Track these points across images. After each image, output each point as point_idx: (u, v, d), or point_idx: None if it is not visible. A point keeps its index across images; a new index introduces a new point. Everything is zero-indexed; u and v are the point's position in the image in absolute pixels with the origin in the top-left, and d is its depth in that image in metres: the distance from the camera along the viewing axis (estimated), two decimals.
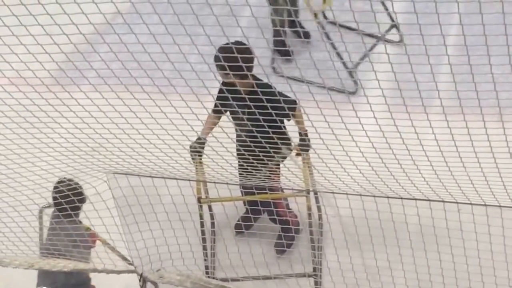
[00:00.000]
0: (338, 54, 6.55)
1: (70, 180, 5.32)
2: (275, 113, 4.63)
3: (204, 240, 5.78)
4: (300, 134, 5.93)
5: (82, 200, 5.39)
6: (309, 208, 5.82)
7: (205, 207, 5.77)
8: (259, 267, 5.83)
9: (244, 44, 5.15)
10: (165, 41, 4.01)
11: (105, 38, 4.13)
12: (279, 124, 5.58)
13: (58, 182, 5.30)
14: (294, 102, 5.58)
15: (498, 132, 4.35)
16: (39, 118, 4.47)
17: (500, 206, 5.03)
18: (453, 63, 4.25)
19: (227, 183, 5.44)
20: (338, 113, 4.27)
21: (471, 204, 5.05)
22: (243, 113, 5.29)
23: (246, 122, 5.03)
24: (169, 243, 5.38)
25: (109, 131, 4.53)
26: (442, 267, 5.32)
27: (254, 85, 5.60)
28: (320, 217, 6.45)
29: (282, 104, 4.92)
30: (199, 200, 5.58)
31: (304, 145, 5.83)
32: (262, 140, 4.76)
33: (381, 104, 4.25)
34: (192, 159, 5.64)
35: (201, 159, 5.66)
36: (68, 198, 5.22)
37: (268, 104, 4.59)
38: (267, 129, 4.72)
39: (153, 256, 5.53)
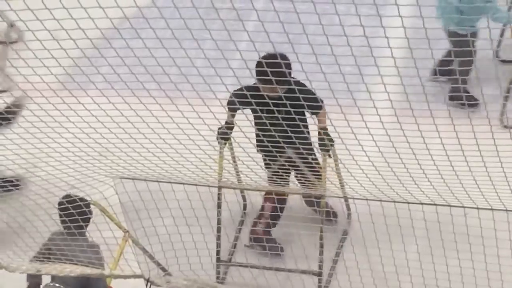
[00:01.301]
0: None
1: (75, 196, 5.27)
2: (306, 111, 4.95)
3: (219, 229, 5.76)
4: (319, 133, 5.93)
5: (87, 219, 5.35)
6: (324, 208, 5.85)
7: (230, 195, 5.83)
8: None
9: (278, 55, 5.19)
10: (171, 46, 4.02)
11: (112, 43, 4.14)
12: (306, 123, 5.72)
13: (64, 197, 5.27)
14: (320, 100, 5.67)
15: (505, 137, 4.36)
16: (47, 123, 4.48)
17: (506, 210, 5.03)
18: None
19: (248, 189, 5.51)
20: (345, 117, 4.28)
21: (477, 208, 5.04)
22: (279, 112, 5.29)
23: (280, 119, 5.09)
24: (175, 248, 5.38)
25: (116, 135, 4.53)
26: (448, 272, 5.31)
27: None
28: (349, 216, 6.36)
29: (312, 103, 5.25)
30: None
31: (325, 145, 5.82)
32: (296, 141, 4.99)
33: (388, 108, 4.25)
34: (218, 142, 5.72)
35: (225, 143, 5.77)
36: (73, 217, 5.19)
37: (304, 103, 4.85)
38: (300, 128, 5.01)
39: (159, 261, 5.54)
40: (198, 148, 4.67)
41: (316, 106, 5.68)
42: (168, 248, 5.43)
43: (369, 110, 4.28)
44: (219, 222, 5.68)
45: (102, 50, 4.64)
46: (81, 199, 5.26)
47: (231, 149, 5.83)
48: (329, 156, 5.85)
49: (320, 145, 5.87)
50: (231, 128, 5.79)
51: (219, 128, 5.72)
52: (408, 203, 5.77)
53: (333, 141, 5.76)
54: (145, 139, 4.56)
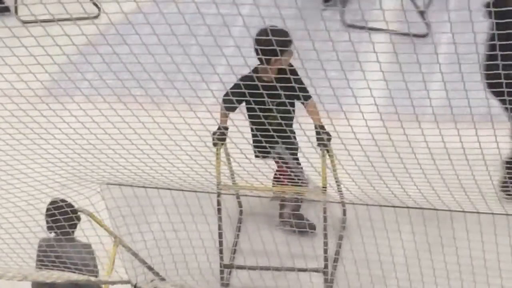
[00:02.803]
0: None
1: (62, 201, 5.24)
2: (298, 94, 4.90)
3: (220, 228, 5.76)
4: (316, 126, 5.92)
5: (74, 225, 5.32)
6: (324, 205, 5.85)
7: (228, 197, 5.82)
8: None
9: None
10: (158, 52, 4.03)
11: (98, 49, 4.14)
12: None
13: (51, 203, 5.24)
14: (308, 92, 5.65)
15: (490, 140, 4.37)
16: (32, 129, 4.47)
17: (492, 213, 5.05)
18: (444, 71, 4.28)
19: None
20: (331, 121, 4.30)
21: (464, 212, 5.06)
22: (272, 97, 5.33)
23: (274, 108, 5.11)
24: (162, 253, 5.38)
25: (102, 141, 4.53)
26: (435, 275, 5.33)
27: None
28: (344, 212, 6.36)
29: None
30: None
31: (322, 139, 5.82)
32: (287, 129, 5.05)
33: (374, 112, 4.27)
34: (214, 144, 5.69)
35: (222, 145, 5.76)
36: (60, 223, 5.17)
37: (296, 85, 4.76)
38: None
39: (150, 266, 5.53)
40: (185, 154, 4.66)
41: (306, 93, 5.66)
42: (155, 254, 5.43)
43: (355, 115, 4.31)
44: (220, 227, 5.69)
45: (88, 56, 4.65)
46: (68, 205, 5.24)
47: (226, 151, 5.81)
48: (327, 151, 5.84)
49: (318, 139, 5.84)
50: (227, 130, 5.78)
51: (214, 133, 5.70)
52: (394, 207, 5.80)
53: (330, 136, 5.77)
54: (131, 144, 4.55)
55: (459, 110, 4.22)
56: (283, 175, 5.98)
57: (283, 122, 5.01)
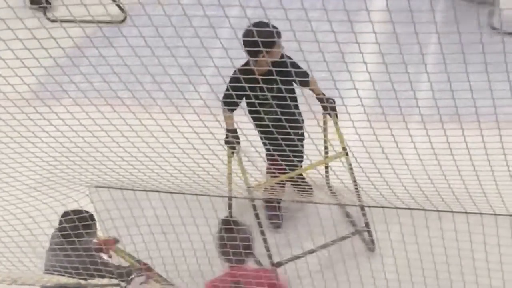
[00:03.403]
0: None
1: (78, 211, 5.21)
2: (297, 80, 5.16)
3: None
4: (320, 99, 5.93)
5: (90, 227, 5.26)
6: (350, 168, 5.86)
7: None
8: None
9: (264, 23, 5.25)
10: (145, 54, 4.03)
11: (85, 52, 4.14)
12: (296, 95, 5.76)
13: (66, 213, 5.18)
14: (306, 72, 5.69)
15: (477, 140, 4.38)
16: (20, 132, 4.47)
17: (481, 213, 5.07)
18: (432, 71, 4.29)
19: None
20: (318, 123, 4.30)
21: (452, 212, 5.08)
22: (270, 90, 5.35)
23: (271, 102, 5.20)
24: (152, 256, 5.38)
25: (90, 144, 4.54)
26: (424, 276, 5.34)
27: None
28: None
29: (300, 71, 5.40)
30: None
31: (329, 106, 5.84)
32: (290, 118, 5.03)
33: (360, 113, 4.28)
34: (232, 148, 5.75)
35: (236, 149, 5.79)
36: (77, 231, 5.11)
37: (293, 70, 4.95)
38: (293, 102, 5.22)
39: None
40: (173, 156, 4.67)
41: (304, 75, 5.70)
42: (144, 257, 5.42)
43: (343, 116, 4.33)
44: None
45: (75, 59, 4.65)
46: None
47: (239, 155, 5.81)
48: (336, 115, 5.85)
49: (323, 107, 5.86)
50: (236, 132, 5.80)
51: (226, 136, 5.75)
52: (383, 207, 5.80)
53: (334, 102, 5.80)
54: (119, 147, 4.54)
55: (446, 111, 4.25)
56: (277, 168, 5.98)
57: (280, 110, 4.98)
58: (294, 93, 5.75)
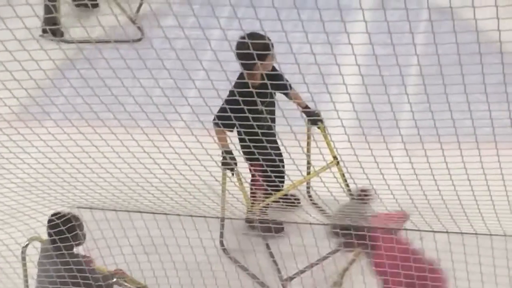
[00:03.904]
0: None
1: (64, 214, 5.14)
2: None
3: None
4: (306, 108, 6.00)
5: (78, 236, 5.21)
6: (342, 175, 5.87)
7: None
8: None
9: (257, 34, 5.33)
10: (129, 75, 4.05)
11: (67, 74, 4.16)
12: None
13: (53, 215, 5.08)
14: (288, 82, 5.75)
15: (457, 160, 4.41)
16: (1, 154, 4.48)
17: (462, 233, 5.08)
18: (414, 92, 4.32)
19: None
20: (299, 143, 4.32)
21: (433, 231, 5.09)
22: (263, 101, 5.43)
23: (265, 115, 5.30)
24: (135, 276, 5.38)
25: (72, 165, 4.55)
26: None
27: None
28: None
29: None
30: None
31: (315, 116, 5.91)
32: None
33: (341, 134, 4.31)
34: (231, 169, 5.73)
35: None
36: (64, 235, 5.05)
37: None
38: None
39: None
40: (154, 177, 4.68)
41: (286, 86, 5.76)
42: (136, 276, 5.41)
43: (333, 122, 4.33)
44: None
45: (58, 81, 4.66)
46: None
47: (238, 175, 5.80)
48: (319, 128, 5.90)
49: (310, 118, 5.92)
50: (232, 153, 5.76)
51: (223, 157, 5.69)
52: (366, 227, 5.80)
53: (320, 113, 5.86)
54: (101, 168, 4.55)
55: (427, 131, 4.28)
56: (257, 187, 5.99)
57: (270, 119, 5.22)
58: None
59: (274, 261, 5.87)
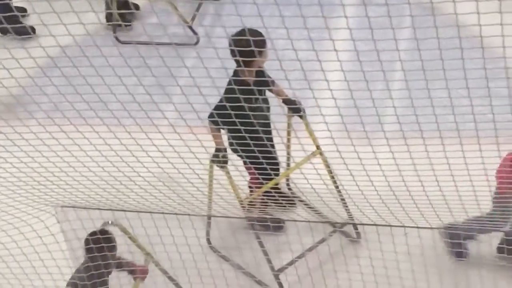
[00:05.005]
0: None
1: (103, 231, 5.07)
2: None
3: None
4: (287, 100, 5.96)
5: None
6: (327, 165, 5.83)
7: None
8: None
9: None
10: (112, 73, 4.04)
11: (50, 72, 4.14)
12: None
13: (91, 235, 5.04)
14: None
15: (441, 156, 4.42)
16: None
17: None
18: (398, 87, 4.34)
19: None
20: (282, 140, 4.32)
21: (417, 227, 5.11)
22: (260, 93, 5.54)
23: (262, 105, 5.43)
24: (118, 275, 5.37)
25: (55, 164, 4.53)
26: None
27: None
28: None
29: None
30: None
31: (296, 107, 5.87)
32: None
33: (324, 130, 4.31)
34: (222, 167, 5.65)
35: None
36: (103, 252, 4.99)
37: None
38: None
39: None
40: (138, 175, 4.67)
41: (268, 82, 5.73)
42: (121, 276, 5.40)
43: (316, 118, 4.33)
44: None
45: (41, 79, 4.64)
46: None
47: (228, 173, 5.73)
48: (301, 117, 5.85)
49: (292, 108, 5.87)
50: (226, 151, 5.71)
51: (215, 155, 5.64)
52: (349, 223, 5.82)
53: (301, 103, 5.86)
54: (84, 167, 4.54)
55: (411, 127, 4.29)
56: (254, 183, 5.97)
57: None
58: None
59: (268, 259, 5.88)
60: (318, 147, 5.84)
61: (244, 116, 4.73)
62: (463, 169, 4.46)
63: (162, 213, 5.28)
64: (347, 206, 5.82)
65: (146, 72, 4.15)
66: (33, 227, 5.31)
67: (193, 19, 8.15)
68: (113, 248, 5.01)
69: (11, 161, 4.65)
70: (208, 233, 6.30)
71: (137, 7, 8.46)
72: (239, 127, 4.62)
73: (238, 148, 5.35)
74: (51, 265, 5.36)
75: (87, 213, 5.23)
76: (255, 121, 4.96)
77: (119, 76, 3.97)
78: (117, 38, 8.03)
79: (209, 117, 5.47)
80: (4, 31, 7.71)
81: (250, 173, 6.02)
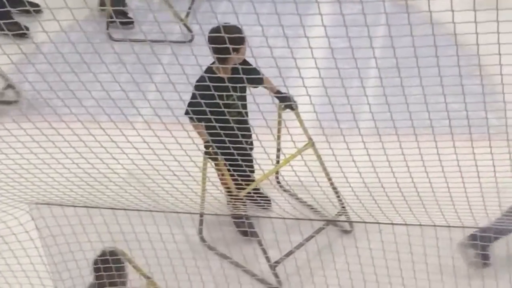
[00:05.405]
0: None
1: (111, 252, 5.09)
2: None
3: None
4: (278, 92, 5.95)
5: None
6: (318, 157, 5.85)
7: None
8: None
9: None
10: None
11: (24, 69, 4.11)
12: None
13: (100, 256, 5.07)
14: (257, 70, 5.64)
15: (415, 152, 4.44)
16: None
17: (420, 225, 5.12)
18: (377, 84, 4.34)
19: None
20: (257, 137, 4.31)
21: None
22: (235, 90, 5.52)
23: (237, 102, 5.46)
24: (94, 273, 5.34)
25: (29, 161, 4.51)
26: None
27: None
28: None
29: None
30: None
31: (288, 99, 5.86)
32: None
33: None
34: (215, 159, 5.63)
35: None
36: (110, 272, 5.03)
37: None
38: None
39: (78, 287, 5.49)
40: (113, 172, 4.65)
41: (257, 73, 5.65)
42: (86, 274, 5.38)
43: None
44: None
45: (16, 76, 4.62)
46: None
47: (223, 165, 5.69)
48: (292, 108, 5.85)
49: (283, 101, 5.88)
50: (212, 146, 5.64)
51: (206, 147, 5.62)
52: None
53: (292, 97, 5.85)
54: (58, 163, 4.52)
55: (387, 123, 4.31)
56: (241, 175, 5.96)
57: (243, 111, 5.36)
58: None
59: (263, 249, 5.91)
60: (310, 139, 5.85)
61: (216, 112, 4.72)
62: (437, 165, 4.49)
63: (137, 210, 5.28)
64: (339, 197, 5.90)
65: (121, 69, 4.15)
66: (7, 224, 5.29)
67: (187, 16, 8.16)
68: (122, 272, 5.02)
69: None
70: (200, 231, 6.31)
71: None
72: (213, 124, 4.62)
73: (213, 144, 5.35)
74: (25, 263, 5.35)
75: (62, 210, 5.21)
76: (230, 118, 4.94)
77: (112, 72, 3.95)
78: (110, 36, 7.99)
79: (185, 113, 5.46)
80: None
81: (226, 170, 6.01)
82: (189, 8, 8.21)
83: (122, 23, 8.07)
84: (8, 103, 7.12)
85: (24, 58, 4.53)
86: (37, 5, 7.72)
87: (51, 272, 5.42)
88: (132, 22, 8.10)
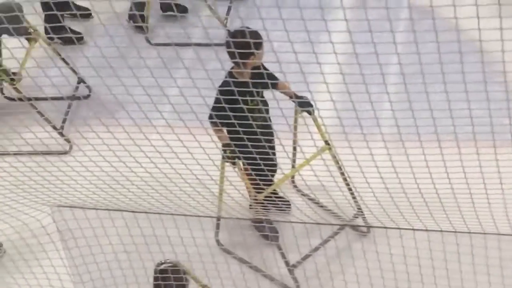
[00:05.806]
0: None
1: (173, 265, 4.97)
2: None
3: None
4: (295, 96, 5.92)
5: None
6: (336, 161, 5.86)
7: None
8: None
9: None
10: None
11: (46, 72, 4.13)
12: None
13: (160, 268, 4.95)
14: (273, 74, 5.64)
15: (437, 158, 4.43)
16: None
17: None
18: (395, 91, 4.33)
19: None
20: (280, 142, 4.32)
21: (413, 229, 5.12)
22: (258, 94, 5.60)
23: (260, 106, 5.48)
24: (114, 275, 5.36)
25: (52, 163, 4.53)
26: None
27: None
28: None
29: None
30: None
31: (306, 102, 5.83)
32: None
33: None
34: (233, 163, 5.65)
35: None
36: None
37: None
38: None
39: None
40: (135, 175, 4.67)
41: (273, 77, 5.63)
42: (107, 276, 5.40)
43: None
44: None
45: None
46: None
47: (240, 169, 5.72)
48: (309, 113, 5.82)
49: (301, 104, 5.84)
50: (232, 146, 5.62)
51: (224, 150, 5.63)
52: (347, 225, 5.83)
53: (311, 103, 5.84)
54: (81, 166, 4.54)
55: (408, 130, 4.30)
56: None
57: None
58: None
59: (282, 253, 5.92)
60: (327, 142, 5.84)
61: (240, 117, 4.72)
62: (460, 171, 4.48)
63: (159, 213, 5.29)
64: (356, 200, 5.90)
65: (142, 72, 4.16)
66: (29, 227, 5.33)
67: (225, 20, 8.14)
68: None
69: (8, 160, 4.64)
70: (217, 234, 6.32)
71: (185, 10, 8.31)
72: (236, 128, 4.61)
73: (236, 149, 5.35)
74: (46, 265, 5.37)
75: (84, 213, 5.23)
76: (253, 122, 4.96)
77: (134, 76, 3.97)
78: (147, 40, 7.96)
79: (208, 118, 5.48)
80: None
81: (247, 175, 6.01)
82: (227, 14, 8.19)
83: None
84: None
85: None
86: (86, 9, 7.78)
87: (72, 274, 5.44)
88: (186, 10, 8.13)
